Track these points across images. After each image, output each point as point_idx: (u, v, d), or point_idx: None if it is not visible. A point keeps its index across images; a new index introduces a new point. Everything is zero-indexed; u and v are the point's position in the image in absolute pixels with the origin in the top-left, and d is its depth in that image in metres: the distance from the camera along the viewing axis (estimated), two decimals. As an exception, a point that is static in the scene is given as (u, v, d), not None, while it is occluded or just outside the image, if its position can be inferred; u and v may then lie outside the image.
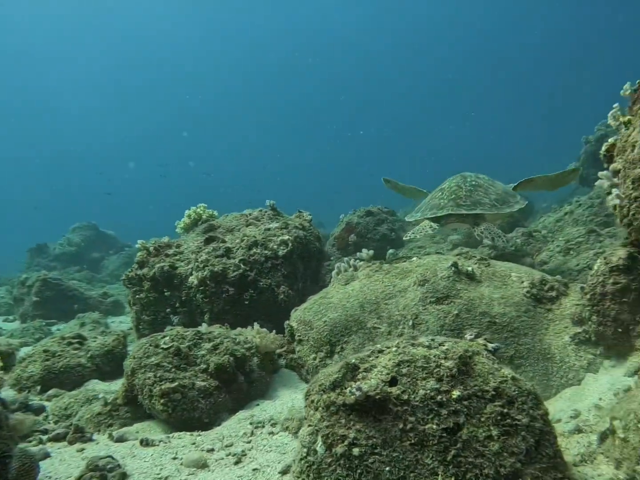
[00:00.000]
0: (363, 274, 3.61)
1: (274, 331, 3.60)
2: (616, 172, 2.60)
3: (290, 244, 4.72)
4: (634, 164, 2.22)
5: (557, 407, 2.49)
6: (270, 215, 5.21)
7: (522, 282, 3.19)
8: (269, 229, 4.91)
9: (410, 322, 3.04)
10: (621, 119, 2.52)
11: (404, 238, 5.07)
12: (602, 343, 2.84)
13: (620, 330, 2.72)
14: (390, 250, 8.34)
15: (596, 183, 2.88)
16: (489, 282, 3.18)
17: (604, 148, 2.79)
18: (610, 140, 2.74)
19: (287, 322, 3.55)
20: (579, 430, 2.16)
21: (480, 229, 4.14)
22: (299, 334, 3.41)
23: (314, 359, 3.26)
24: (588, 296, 2.86)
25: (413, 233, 4.41)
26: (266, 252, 4.63)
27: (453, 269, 3.16)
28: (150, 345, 3.14)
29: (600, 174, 2.69)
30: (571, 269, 4.69)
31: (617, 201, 2.47)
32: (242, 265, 4.51)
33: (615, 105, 2.80)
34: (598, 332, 2.83)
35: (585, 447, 2.01)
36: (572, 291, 3.26)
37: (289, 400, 3.09)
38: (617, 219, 2.64)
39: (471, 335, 2.12)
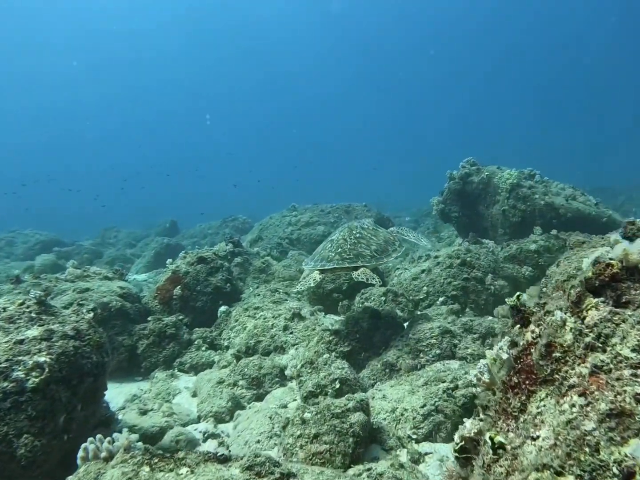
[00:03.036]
0: (114, 476, 2.48)
1: None
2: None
3: (47, 369, 3.42)
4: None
5: None
6: (33, 315, 3.81)
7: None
8: (22, 342, 3.54)
9: None
10: (490, 436, 1.40)
11: (293, 290, 5.73)
12: None
13: None
14: (222, 308, 7.27)
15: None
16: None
17: (458, 443, 1.76)
18: (464, 432, 1.64)
19: None
20: None
21: (358, 273, 4.84)
22: None
23: None
24: None
25: (300, 285, 5.10)
26: (6, 384, 3.27)
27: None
28: None
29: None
30: (405, 435, 3.90)
31: None
32: (-38, 407, 3.11)
33: (482, 365, 1.86)
34: None
35: None
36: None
37: None
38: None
39: None
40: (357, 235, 5.27)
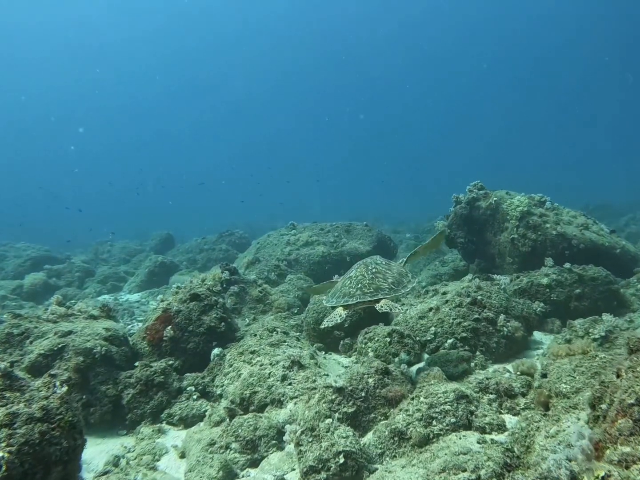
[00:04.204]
0: None
1: None
2: None
3: (4, 467, 2.92)
4: None
5: None
6: (-6, 392, 3.31)
7: None
8: (-23, 430, 3.04)
9: None
10: None
11: (321, 326, 5.54)
12: None
13: None
14: (215, 351, 6.75)
15: None
16: None
17: None
18: None
19: None
20: None
21: (380, 304, 5.02)
22: None
23: None
24: None
25: (327, 321, 5.09)
26: (-46, 488, 2.78)
27: None
28: None
29: None
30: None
31: None
32: None
33: None
34: None
35: None
36: None
37: None
38: None
39: None
40: (374, 270, 5.49)
